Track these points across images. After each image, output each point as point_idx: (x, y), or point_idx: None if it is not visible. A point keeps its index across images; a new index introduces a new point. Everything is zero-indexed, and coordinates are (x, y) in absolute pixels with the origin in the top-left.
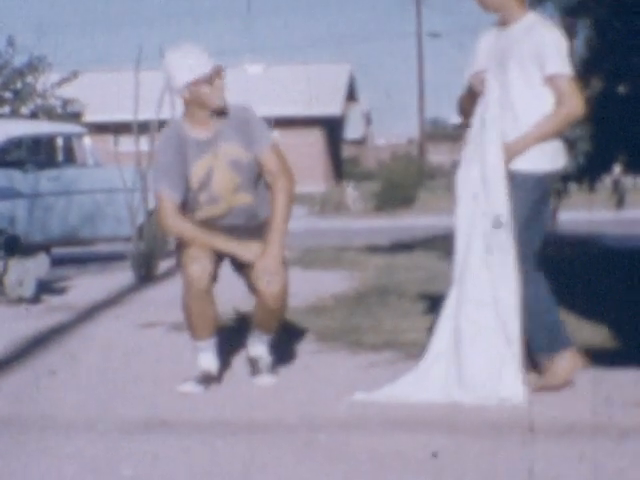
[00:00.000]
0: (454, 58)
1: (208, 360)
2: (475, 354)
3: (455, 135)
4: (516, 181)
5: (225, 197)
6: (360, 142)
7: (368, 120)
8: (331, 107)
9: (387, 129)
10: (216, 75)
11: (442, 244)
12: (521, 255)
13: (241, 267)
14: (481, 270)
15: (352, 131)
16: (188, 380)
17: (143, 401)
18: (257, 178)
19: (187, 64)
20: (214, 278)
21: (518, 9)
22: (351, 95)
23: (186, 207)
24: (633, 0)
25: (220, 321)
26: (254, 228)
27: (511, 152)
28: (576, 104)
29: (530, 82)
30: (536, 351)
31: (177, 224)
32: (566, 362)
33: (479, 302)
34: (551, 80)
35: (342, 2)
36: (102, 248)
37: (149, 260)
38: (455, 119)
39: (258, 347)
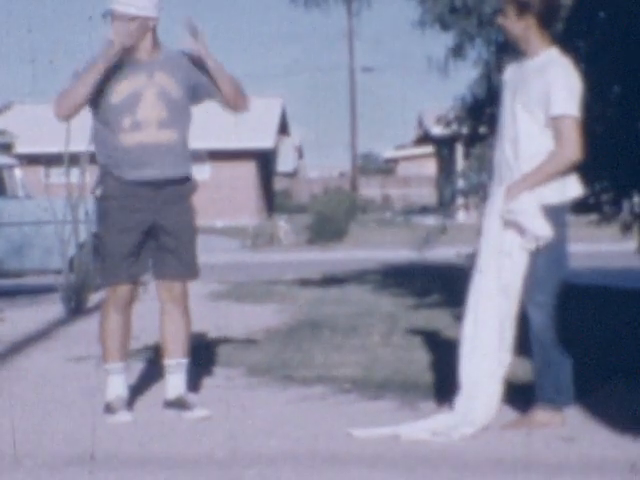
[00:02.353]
0: (386, 92)
1: (120, 384)
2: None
3: (386, 169)
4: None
5: (149, 127)
6: (292, 175)
7: (300, 153)
8: (263, 140)
9: (319, 162)
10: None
11: (373, 277)
12: (537, 295)
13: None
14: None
15: (284, 164)
16: (113, 410)
17: (72, 436)
18: (185, 121)
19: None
20: (133, 294)
21: (538, 43)
22: (283, 128)
23: (108, 129)
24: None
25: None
26: (180, 192)
27: (509, 194)
28: (573, 148)
29: (536, 121)
30: (539, 397)
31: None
32: (548, 418)
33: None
34: (554, 121)
35: (275, 36)
36: (32, 280)
37: (79, 293)
38: (388, 153)
39: (176, 385)
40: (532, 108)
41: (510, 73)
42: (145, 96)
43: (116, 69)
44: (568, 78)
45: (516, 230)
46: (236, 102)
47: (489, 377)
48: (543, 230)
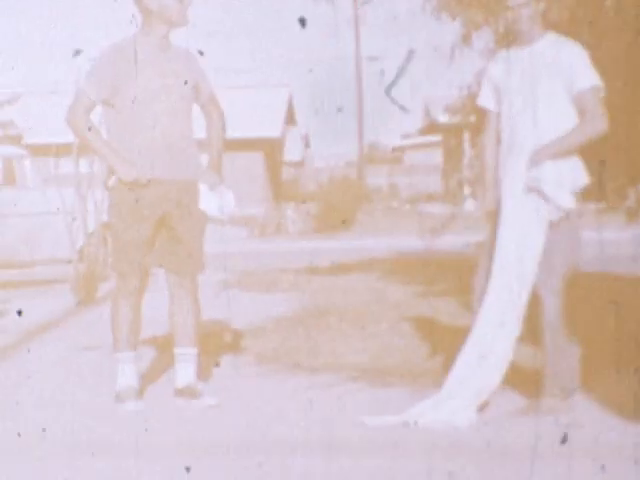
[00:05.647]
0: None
1: (130, 373)
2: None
3: (393, 158)
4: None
5: (164, 119)
6: (299, 164)
7: (307, 142)
8: (270, 130)
9: (326, 152)
10: None
11: (381, 266)
12: (553, 281)
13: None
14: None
15: (291, 153)
16: (123, 399)
17: (81, 425)
18: (190, 114)
19: None
20: (143, 284)
21: (541, 28)
22: (290, 118)
23: (127, 126)
24: None
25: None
26: (192, 184)
27: (533, 160)
28: (601, 120)
29: (559, 100)
30: (547, 384)
31: (78, 121)
32: (555, 404)
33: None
34: (580, 95)
35: (280, 26)
36: (41, 271)
37: (89, 282)
38: (395, 142)
39: (185, 374)
40: (556, 89)
41: (501, 66)
42: (162, 89)
43: (136, 64)
44: (583, 52)
45: (540, 198)
46: None
47: (495, 363)
48: (566, 201)
